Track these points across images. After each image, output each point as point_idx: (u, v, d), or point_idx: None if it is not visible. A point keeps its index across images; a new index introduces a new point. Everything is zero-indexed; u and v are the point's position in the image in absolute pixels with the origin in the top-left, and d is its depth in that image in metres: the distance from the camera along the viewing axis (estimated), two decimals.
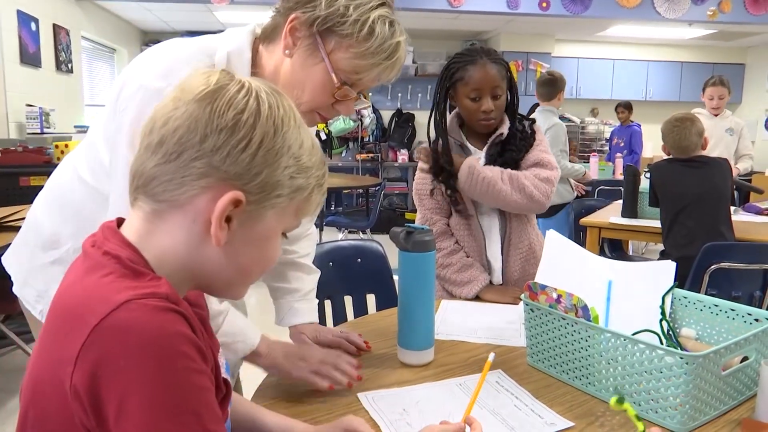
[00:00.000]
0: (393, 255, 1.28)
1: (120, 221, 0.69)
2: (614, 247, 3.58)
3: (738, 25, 6.09)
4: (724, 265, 2.42)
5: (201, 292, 0.75)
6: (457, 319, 1.50)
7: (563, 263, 1.27)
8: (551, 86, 3.77)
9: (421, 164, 1.77)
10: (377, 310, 1.74)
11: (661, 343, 1.10)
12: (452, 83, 1.67)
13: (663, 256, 2.87)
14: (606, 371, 1.04)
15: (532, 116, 1.83)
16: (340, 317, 1.77)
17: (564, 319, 1.11)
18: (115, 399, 0.55)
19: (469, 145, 1.72)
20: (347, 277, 1.82)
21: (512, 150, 1.69)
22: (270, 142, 0.63)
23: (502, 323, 1.46)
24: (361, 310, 1.82)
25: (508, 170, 1.64)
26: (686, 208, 2.66)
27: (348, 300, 1.83)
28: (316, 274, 1.39)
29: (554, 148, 3.61)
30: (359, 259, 1.87)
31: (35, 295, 1.10)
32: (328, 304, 1.74)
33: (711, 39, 7.30)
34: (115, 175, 0.97)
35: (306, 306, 1.32)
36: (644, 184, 3.36)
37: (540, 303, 1.16)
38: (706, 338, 1.16)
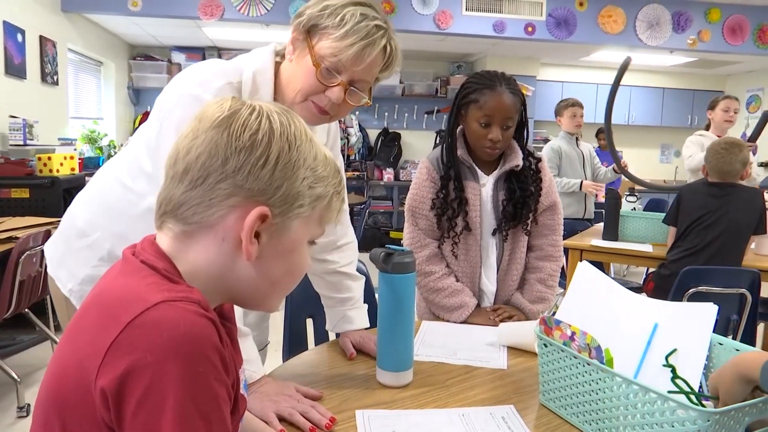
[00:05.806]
0: (376, 274, 1.28)
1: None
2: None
3: (717, 54, 6.24)
4: (702, 288, 2.45)
5: (231, 307, 0.78)
6: (437, 341, 1.50)
7: (593, 299, 1.17)
8: None
9: (420, 176, 1.74)
10: None
11: (691, 399, 0.96)
12: (465, 103, 1.64)
13: (660, 268, 2.87)
14: (616, 419, 0.97)
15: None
16: (321, 336, 1.76)
17: (576, 358, 1.04)
18: (138, 392, 0.56)
19: (478, 170, 1.71)
20: None
21: (528, 188, 1.69)
22: (286, 156, 0.67)
23: (481, 345, 1.47)
24: None
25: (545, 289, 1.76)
26: (703, 227, 2.65)
27: None
28: (362, 280, 1.53)
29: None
30: None
31: (67, 274, 1.26)
32: (309, 322, 1.73)
33: (691, 66, 7.46)
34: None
35: (357, 313, 1.47)
36: (625, 207, 3.41)
37: (554, 339, 1.10)
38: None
